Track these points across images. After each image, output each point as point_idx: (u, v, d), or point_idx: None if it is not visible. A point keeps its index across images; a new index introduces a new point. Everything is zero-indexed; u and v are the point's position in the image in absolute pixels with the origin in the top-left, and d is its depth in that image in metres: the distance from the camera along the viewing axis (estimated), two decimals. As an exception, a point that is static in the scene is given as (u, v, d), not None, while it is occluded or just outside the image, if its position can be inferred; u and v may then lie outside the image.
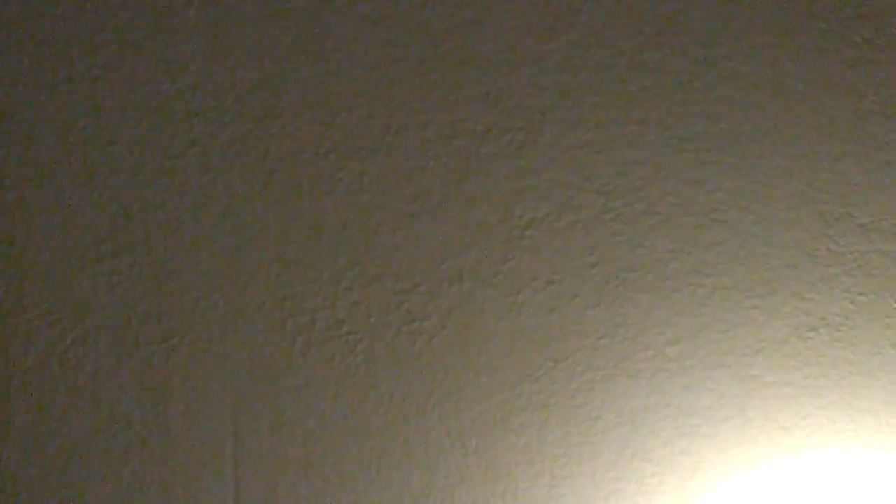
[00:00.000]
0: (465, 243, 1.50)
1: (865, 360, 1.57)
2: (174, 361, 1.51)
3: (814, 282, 1.54)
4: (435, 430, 1.55)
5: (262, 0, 1.47)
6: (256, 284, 1.50)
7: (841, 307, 1.55)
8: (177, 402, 1.52)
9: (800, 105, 1.49)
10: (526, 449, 1.57)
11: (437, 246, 1.50)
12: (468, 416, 1.55)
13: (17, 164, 1.46)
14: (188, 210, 1.48)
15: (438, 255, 1.50)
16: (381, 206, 1.49)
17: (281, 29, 1.48)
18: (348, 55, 1.45)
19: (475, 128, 1.47)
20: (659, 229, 1.51)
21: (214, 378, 1.51)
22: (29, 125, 1.45)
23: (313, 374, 1.53)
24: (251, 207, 1.48)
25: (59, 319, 1.50)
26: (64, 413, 1.52)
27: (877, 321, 1.56)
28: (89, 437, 1.54)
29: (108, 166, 1.46)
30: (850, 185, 1.52)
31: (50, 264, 1.48)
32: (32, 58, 1.44)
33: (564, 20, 1.49)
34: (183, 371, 1.51)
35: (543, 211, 1.50)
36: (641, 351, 1.54)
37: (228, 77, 1.45)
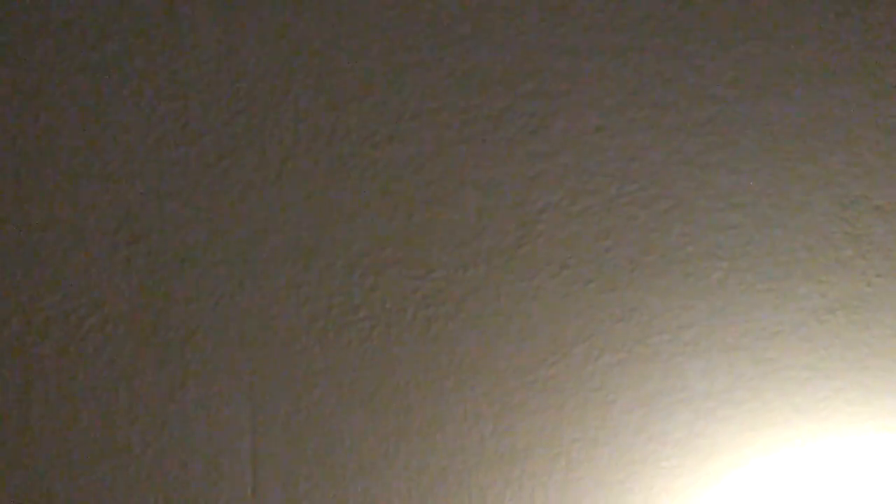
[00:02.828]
0: (479, 228, 1.51)
1: (882, 341, 1.57)
2: (191, 348, 1.52)
3: (830, 264, 1.54)
4: (451, 415, 1.56)
5: (276, -13, 1.48)
6: (272, 271, 1.51)
7: (857, 289, 1.55)
8: (194, 388, 1.53)
9: (815, 88, 1.49)
10: (542, 433, 1.58)
11: (451, 231, 1.51)
12: (484, 400, 1.56)
13: (34, 152, 1.47)
14: (203, 198, 1.49)
15: (453, 240, 1.51)
16: (396, 192, 1.49)
17: (294, 15, 1.48)
18: (362, 42, 1.46)
19: (489, 113, 1.48)
20: (673, 213, 1.51)
21: (232, 364, 1.53)
22: (46, 113, 1.46)
23: (329, 359, 1.54)
24: (266, 194, 1.49)
25: (77, 307, 1.51)
26: (83, 400, 1.54)
27: (893, 303, 1.56)
28: (108, 424, 1.55)
29: (124, 154, 1.47)
30: (865, 168, 1.52)
31: (67, 252, 1.49)
32: (49, 46, 1.45)
33: (578, 5, 1.49)
34: (200, 357, 1.52)
35: (558, 196, 1.50)
36: (657, 335, 1.55)
37: (242, 65, 1.46)
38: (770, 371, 1.60)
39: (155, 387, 1.57)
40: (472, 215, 1.54)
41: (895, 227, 1.57)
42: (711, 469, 1.64)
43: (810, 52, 1.52)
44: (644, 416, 1.61)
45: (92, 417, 1.58)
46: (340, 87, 1.50)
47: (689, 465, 1.63)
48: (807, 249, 1.57)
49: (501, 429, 1.60)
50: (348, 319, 1.56)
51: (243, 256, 1.55)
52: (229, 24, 1.53)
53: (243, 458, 1.59)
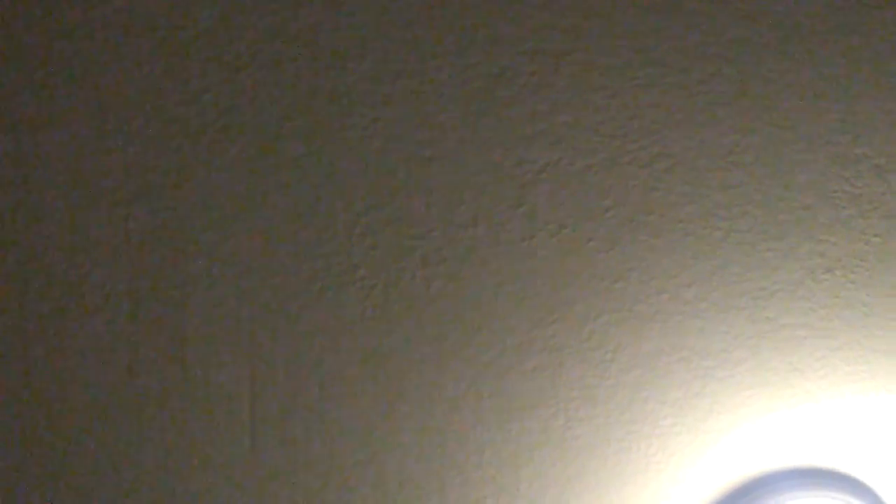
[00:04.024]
0: (479, 188, 1.51)
1: (880, 301, 1.58)
2: (191, 307, 1.52)
3: (829, 223, 1.54)
4: (450, 374, 1.56)
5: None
6: (271, 230, 1.51)
7: (856, 249, 1.55)
8: (194, 347, 1.53)
9: (815, 46, 1.48)
10: (541, 392, 1.59)
11: (451, 190, 1.50)
12: (483, 359, 1.56)
13: (33, 111, 1.46)
14: (202, 156, 1.48)
15: (452, 199, 1.51)
16: (395, 150, 1.49)
17: (293, -27, 1.47)
18: (361, 0, 1.44)
19: (489, 72, 1.47)
20: (673, 172, 1.51)
21: (231, 323, 1.53)
22: (44, 73, 1.45)
23: (328, 318, 1.54)
24: (265, 153, 1.48)
25: (77, 266, 1.51)
26: (82, 359, 1.54)
27: (892, 262, 1.56)
28: (108, 384, 1.55)
29: (123, 113, 1.46)
30: (865, 127, 1.52)
31: (67, 211, 1.49)
32: (48, 4, 1.44)
33: (578, -37, 1.48)
34: (199, 316, 1.52)
35: (557, 155, 1.50)
36: (656, 294, 1.55)
37: (242, 23, 1.45)
38: (768, 330, 1.61)
39: (154, 345, 1.58)
40: (472, 174, 1.54)
41: (894, 186, 1.57)
42: (709, 428, 1.65)
43: (810, 10, 1.51)
44: (642, 376, 1.61)
45: (91, 375, 1.58)
46: (339, 46, 1.49)
47: (687, 424, 1.64)
48: (806, 209, 1.57)
49: (500, 387, 1.61)
50: (347, 278, 1.56)
51: (242, 215, 1.54)
52: (227, -19, 1.51)
53: (243, 416, 1.60)
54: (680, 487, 1.69)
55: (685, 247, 1.58)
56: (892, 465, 1.71)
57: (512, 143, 1.54)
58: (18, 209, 1.54)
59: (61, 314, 1.57)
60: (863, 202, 1.58)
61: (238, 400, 1.60)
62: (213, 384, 1.60)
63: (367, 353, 1.59)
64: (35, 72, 1.50)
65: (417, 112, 1.52)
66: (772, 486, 1.64)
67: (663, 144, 1.55)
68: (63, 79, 1.50)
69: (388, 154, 1.54)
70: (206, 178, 1.54)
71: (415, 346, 1.59)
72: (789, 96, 1.55)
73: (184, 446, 1.63)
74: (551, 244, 1.57)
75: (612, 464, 1.66)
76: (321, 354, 1.59)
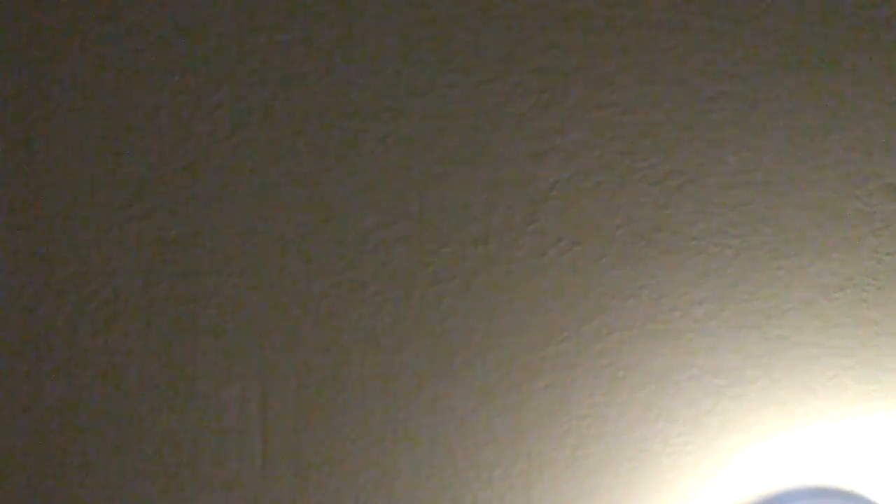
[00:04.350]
0: (490, 204, 1.51)
1: (891, 320, 1.57)
2: (202, 323, 1.52)
3: (840, 242, 1.54)
4: (460, 391, 1.56)
5: (287, -38, 1.47)
6: (282, 246, 1.51)
7: (867, 267, 1.55)
8: (204, 364, 1.53)
9: (827, 64, 1.48)
10: (551, 409, 1.58)
11: (462, 207, 1.51)
12: (494, 376, 1.56)
13: (45, 127, 1.47)
14: (214, 172, 1.49)
15: (464, 216, 1.51)
16: (407, 167, 1.49)
17: (305, -10, 1.48)
18: (373, 16, 1.45)
19: (500, 88, 1.47)
20: (684, 190, 1.51)
21: (242, 339, 1.53)
22: (57, 88, 1.46)
23: (339, 335, 1.54)
24: (276, 169, 1.49)
25: (88, 281, 1.51)
26: (93, 375, 1.54)
27: (904, 281, 1.56)
28: (119, 398, 1.55)
29: (135, 129, 1.47)
30: (877, 145, 1.52)
31: (79, 226, 1.49)
32: (60, 21, 1.45)
33: (590, -20, 1.48)
34: (210, 333, 1.52)
35: (569, 172, 1.50)
36: (667, 311, 1.55)
37: (254, 39, 1.45)
38: (780, 348, 1.60)
39: (164, 361, 1.58)
40: (483, 191, 1.54)
41: (907, 204, 1.56)
42: (721, 446, 1.64)
43: (823, 29, 1.52)
44: (653, 394, 1.61)
45: (102, 390, 1.58)
46: (352, 63, 1.49)
47: (698, 443, 1.63)
48: (817, 227, 1.57)
49: (510, 405, 1.61)
50: (358, 295, 1.56)
51: (254, 231, 1.55)
52: (240, 0, 1.52)
53: (253, 433, 1.60)
54: (691, 506, 1.69)
55: (696, 264, 1.58)
56: (904, 485, 1.70)
57: (523, 160, 1.54)
58: (32, 223, 1.54)
59: (71, 328, 1.57)
60: (875, 220, 1.57)
61: (249, 417, 1.60)
62: (223, 401, 1.60)
63: (377, 369, 1.59)
64: (50, 86, 1.50)
65: (429, 129, 1.53)
66: (784, 505, 1.64)
67: (674, 162, 1.55)
68: (77, 93, 1.51)
69: (399, 170, 1.54)
70: (218, 193, 1.55)
71: (425, 363, 1.59)
72: (800, 115, 1.55)
73: (194, 461, 1.63)
74: (562, 261, 1.57)
75: (623, 482, 1.65)
76: (332, 370, 1.59)
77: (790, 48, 1.52)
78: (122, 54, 1.50)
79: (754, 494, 1.67)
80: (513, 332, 1.59)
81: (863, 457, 1.67)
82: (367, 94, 1.52)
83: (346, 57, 1.50)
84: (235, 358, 1.59)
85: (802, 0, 1.53)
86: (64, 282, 1.57)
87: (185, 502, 1.64)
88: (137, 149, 1.53)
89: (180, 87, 1.51)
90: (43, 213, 1.55)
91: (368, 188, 1.55)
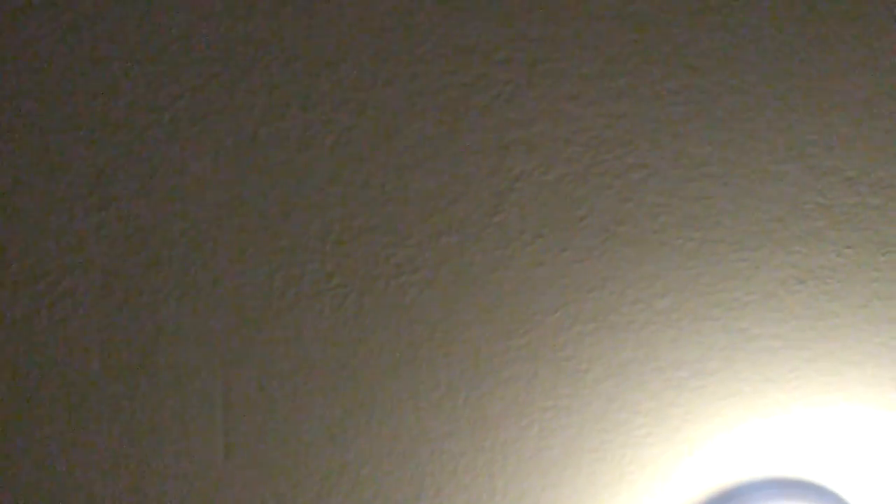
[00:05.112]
0: (453, 196, 1.50)
1: (852, 312, 1.58)
2: (163, 315, 1.51)
3: (801, 235, 1.55)
4: (424, 383, 1.56)
5: (250, -48, 1.46)
6: (244, 237, 1.50)
7: (828, 260, 1.56)
8: (166, 356, 1.52)
9: (789, 58, 1.49)
10: (514, 401, 1.58)
11: (425, 199, 1.50)
12: (457, 368, 1.56)
13: (4, 116, 1.45)
14: (175, 163, 1.48)
15: (427, 208, 1.50)
16: (370, 159, 1.49)
17: (268, -19, 1.47)
18: (335, 7, 1.44)
19: (463, 80, 1.47)
20: (647, 182, 1.51)
21: (203, 331, 1.52)
22: (15, 77, 1.44)
23: (302, 327, 1.53)
24: (238, 160, 1.47)
25: (48, 272, 1.50)
26: (52, 366, 1.53)
27: (864, 274, 1.57)
28: (79, 390, 1.54)
29: (95, 119, 1.46)
30: (838, 139, 1.52)
31: (38, 217, 1.48)
32: (20, 6, 1.43)
33: (554, -27, 1.48)
34: (172, 325, 1.51)
35: (532, 164, 1.50)
36: (630, 304, 1.55)
37: (215, 30, 1.44)
38: (741, 341, 1.61)
39: (125, 353, 1.57)
40: (446, 183, 1.54)
41: (867, 198, 1.57)
42: (683, 438, 1.65)
43: (785, 23, 1.52)
44: (616, 386, 1.61)
45: (61, 384, 1.57)
46: (314, 54, 1.48)
47: (660, 434, 1.64)
48: (778, 220, 1.57)
49: (474, 397, 1.61)
50: (321, 287, 1.56)
51: (215, 223, 1.54)
52: (202, -11, 1.51)
53: (215, 424, 1.59)
54: (654, 497, 1.69)
55: (659, 257, 1.58)
56: (862, 476, 1.71)
57: (487, 152, 1.54)
58: (-10, 215, 1.53)
59: (30, 321, 1.56)
60: (835, 214, 1.58)
61: (211, 408, 1.59)
62: (185, 392, 1.59)
63: (341, 361, 1.59)
64: (6, 80, 1.49)
65: (392, 120, 1.52)
66: (745, 496, 1.64)
67: (637, 155, 1.55)
68: (34, 86, 1.49)
69: (362, 162, 1.54)
70: (178, 185, 1.53)
71: (389, 355, 1.59)
72: (762, 108, 1.55)
73: (156, 455, 1.61)
74: (526, 253, 1.57)
75: (586, 473, 1.65)
76: (295, 362, 1.59)
77: (753, 43, 1.53)
78: (78, 46, 1.48)
79: (717, 486, 1.68)
80: (476, 324, 1.59)
81: (824, 448, 1.68)
82: (328, 85, 1.51)
83: (306, 49, 1.49)
84: (197, 350, 1.58)
85: (765, -6, 1.54)
86: (22, 274, 1.55)
87: (147, 494, 1.63)
88: (96, 140, 1.51)
89: (140, 76, 1.49)
90: (2, 204, 1.53)
91: (330, 180, 1.54)
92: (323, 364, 1.59)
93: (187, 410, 1.60)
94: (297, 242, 1.56)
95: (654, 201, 1.57)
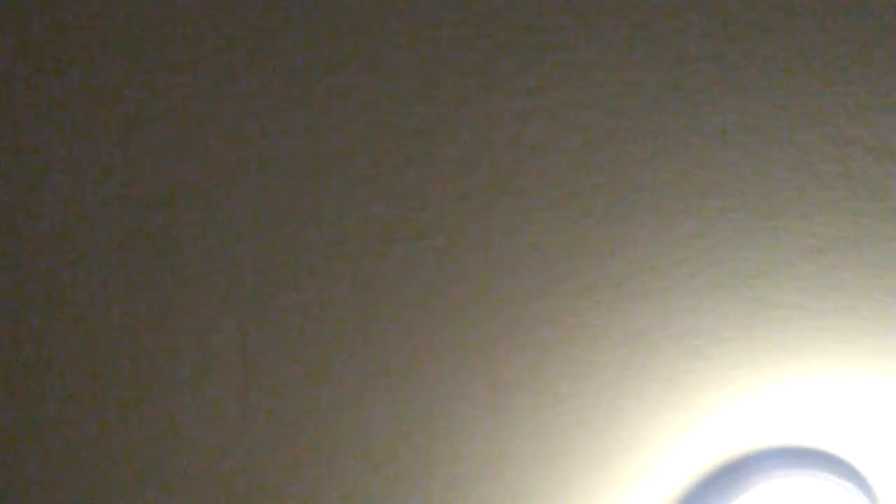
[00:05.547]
0: (473, 162, 1.50)
1: (869, 282, 1.58)
2: (179, 278, 1.52)
3: (821, 204, 1.54)
4: (439, 348, 1.56)
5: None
6: (262, 200, 1.50)
7: (847, 230, 1.56)
8: (182, 320, 1.53)
9: (812, 26, 1.48)
10: (530, 367, 1.58)
11: (446, 164, 1.50)
12: (473, 333, 1.56)
13: (28, 76, 1.45)
14: (194, 124, 1.48)
15: (448, 172, 1.50)
16: (391, 123, 1.48)
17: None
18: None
19: (485, 46, 1.46)
20: (668, 150, 1.51)
21: (220, 295, 1.52)
22: (42, 39, 1.44)
23: (320, 290, 1.53)
24: (258, 123, 1.47)
25: (64, 236, 1.50)
26: (67, 332, 1.53)
27: (882, 244, 1.56)
28: (95, 357, 1.55)
29: (110, 82, 1.45)
30: (860, 108, 1.51)
31: (58, 178, 1.48)
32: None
33: (578, -62, 1.47)
34: (189, 288, 1.52)
35: (554, 131, 1.49)
36: (647, 271, 1.55)
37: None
38: (757, 309, 1.61)
39: (142, 318, 1.57)
40: (466, 148, 1.53)
41: (888, 168, 1.57)
42: (697, 405, 1.65)
43: (810, -8, 1.51)
44: (630, 353, 1.61)
45: (78, 349, 1.58)
46: (337, 17, 1.47)
47: (675, 402, 1.64)
48: (799, 189, 1.57)
49: (489, 362, 1.61)
50: (340, 250, 1.56)
51: (235, 185, 1.54)
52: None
53: (232, 389, 1.60)
54: (666, 464, 1.70)
55: (678, 225, 1.58)
56: (877, 446, 1.71)
57: (506, 118, 1.53)
58: (15, 170, 1.53)
59: (46, 286, 1.56)
60: (856, 183, 1.58)
61: (228, 373, 1.60)
62: (202, 357, 1.59)
63: (356, 322, 1.59)
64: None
65: (413, 85, 1.52)
66: (758, 464, 1.65)
67: (658, 122, 1.55)
68: (53, 44, 1.48)
69: (382, 127, 1.53)
70: (201, 147, 1.53)
71: (405, 320, 1.59)
72: (785, 76, 1.54)
73: (172, 418, 1.62)
74: (545, 219, 1.57)
75: (598, 440, 1.66)
76: (310, 328, 1.59)
77: (777, 10, 1.52)
78: (99, 3, 1.48)
79: (730, 453, 1.68)
80: (493, 289, 1.59)
81: (838, 418, 1.69)
82: (350, 48, 1.50)
83: (330, 9, 1.48)
84: (214, 315, 1.59)
85: (790, -39, 1.52)
86: (38, 238, 1.55)
87: (165, 462, 1.64)
88: (112, 100, 1.51)
89: (158, 39, 1.49)
90: (17, 170, 1.53)
91: (349, 144, 1.54)
92: (339, 328, 1.59)
93: (204, 378, 1.60)
94: (315, 206, 1.56)
95: (673, 168, 1.56)
